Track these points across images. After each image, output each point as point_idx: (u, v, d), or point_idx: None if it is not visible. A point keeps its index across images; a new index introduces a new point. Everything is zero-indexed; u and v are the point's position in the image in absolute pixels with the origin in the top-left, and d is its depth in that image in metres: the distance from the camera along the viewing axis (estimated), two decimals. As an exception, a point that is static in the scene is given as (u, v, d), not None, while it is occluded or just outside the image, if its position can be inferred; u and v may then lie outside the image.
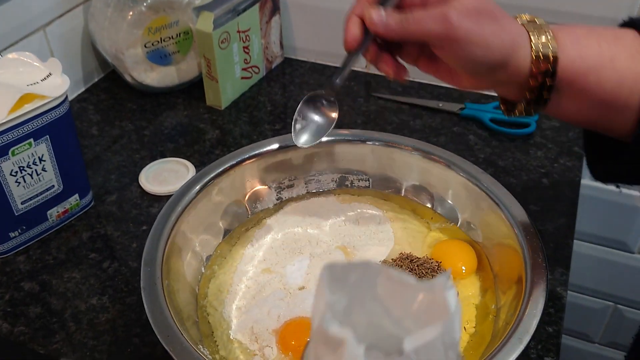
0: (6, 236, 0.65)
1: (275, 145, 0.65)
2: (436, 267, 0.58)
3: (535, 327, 0.47)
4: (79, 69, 0.90)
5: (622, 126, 0.46)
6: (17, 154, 0.60)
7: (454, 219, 0.63)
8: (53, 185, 0.66)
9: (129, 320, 0.59)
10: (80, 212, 0.70)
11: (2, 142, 0.59)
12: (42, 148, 0.62)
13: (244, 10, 0.85)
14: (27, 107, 0.59)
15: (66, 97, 0.63)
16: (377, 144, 0.65)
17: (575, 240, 1.01)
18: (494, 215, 0.58)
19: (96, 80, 0.94)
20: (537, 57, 0.45)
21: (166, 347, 0.47)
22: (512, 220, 0.56)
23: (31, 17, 0.80)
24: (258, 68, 0.92)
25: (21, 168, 0.61)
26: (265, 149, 0.65)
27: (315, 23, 0.94)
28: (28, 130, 0.60)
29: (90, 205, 0.71)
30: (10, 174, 0.61)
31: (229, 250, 0.62)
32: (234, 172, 0.63)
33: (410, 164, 0.65)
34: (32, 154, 0.62)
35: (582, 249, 1.02)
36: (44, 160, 0.63)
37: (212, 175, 0.61)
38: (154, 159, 0.78)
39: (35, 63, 0.64)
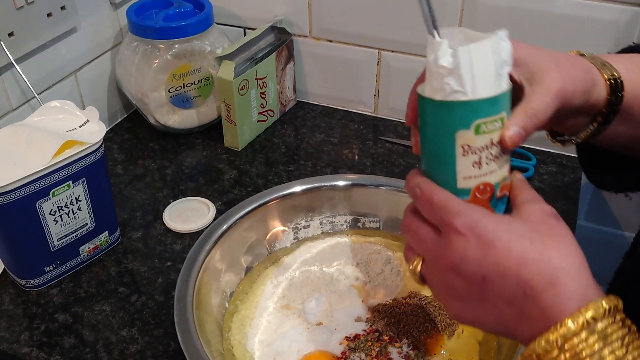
0: (41, 270, 0.69)
1: (298, 188, 0.71)
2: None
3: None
4: (104, 109, 0.96)
5: None
6: (57, 194, 0.65)
7: None
8: (86, 223, 0.70)
9: (157, 352, 0.63)
10: (109, 248, 0.75)
11: (45, 185, 0.64)
12: (79, 189, 0.67)
13: (262, 59, 0.91)
14: (68, 152, 0.65)
15: (102, 142, 0.68)
16: (389, 188, 0.71)
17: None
18: None
19: (120, 120, 1.00)
20: (611, 85, 0.46)
21: None
22: None
23: (64, 63, 0.86)
24: (273, 112, 0.98)
25: (59, 208, 0.67)
26: (286, 192, 0.71)
27: (326, 70, 1.00)
28: (68, 174, 0.65)
29: (118, 242, 0.76)
30: (50, 213, 0.66)
31: (250, 287, 0.67)
32: (256, 214, 0.68)
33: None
34: (70, 194, 0.67)
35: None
36: (80, 201, 0.68)
37: (237, 216, 0.67)
38: (175, 197, 0.83)
39: (74, 111, 0.69)
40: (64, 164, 0.64)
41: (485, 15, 0.85)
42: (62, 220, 0.67)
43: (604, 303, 0.36)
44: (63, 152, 0.65)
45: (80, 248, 0.71)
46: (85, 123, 0.68)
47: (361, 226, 0.73)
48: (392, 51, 0.94)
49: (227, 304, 0.64)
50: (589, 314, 0.35)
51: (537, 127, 0.43)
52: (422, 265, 0.43)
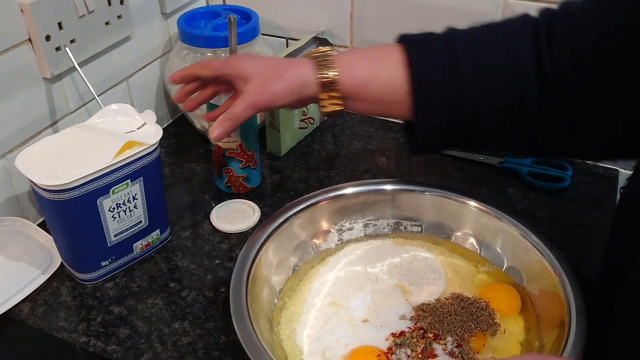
0: (98, 265, 0.73)
1: (349, 190, 0.74)
2: (484, 306, 0.65)
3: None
4: (152, 115, 1.00)
5: (402, 115, 0.63)
6: (116, 192, 0.69)
7: (499, 263, 0.71)
8: (141, 221, 0.74)
9: (208, 344, 0.66)
10: (159, 245, 0.79)
11: (106, 183, 0.67)
12: (136, 188, 0.71)
13: (305, 68, 0.94)
14: (128, 152, 0.68)
15: (158, 144, 0.72)
16: (433, 194, 0.74)
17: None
18: (539, 264, 0.66)
19: (166, 125, 1.04)
20: (323, 83, 0.62)
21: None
22: (556, 269, 0.63)
23: (118, 69, 0.90)
24: (314, 119, 1.01)
25: (118, 205, 0.70)
26: (336, 193, 0.74)
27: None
28: (127, 173, 0.69)
29: (168, 239, 0.80)
30: (109, 210, 0.69)
31: (297, 284, 0.70)
32: (306, 213, 0.72)
33: (461, 213, 0.73)
34: (128, 192, 0.70)
35: None
36: (136, 199, 0.72)
37: (290, 213, 0.71)
38: (221, 199, 0.87)
39: (132, 114, 0.73)
40: (124, 163, 0.68)
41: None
42: (119, 217, 0.71)
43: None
44: (123, 152, 0.68)
45: (134, 244, 0.75)
46: (142, 125, 0.72)
47: (403, 230, 0.76)
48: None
49: (275, 300, 0.67)
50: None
51: (235, 126, 0.64)
52: None
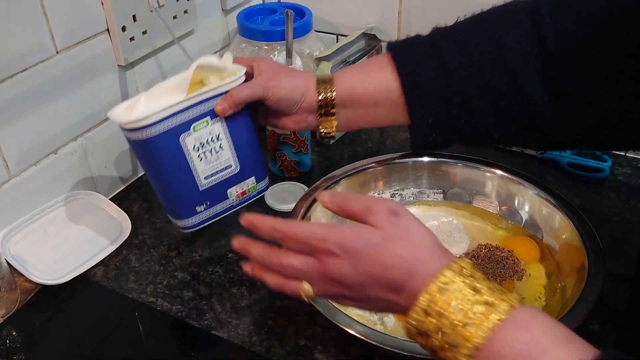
0: (193, 210, 0.72)
1: (372, 162, 0.83)
2: (509, 255, 0.73)
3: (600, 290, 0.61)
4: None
5: (399, 116, 0.68)
6: (198, 130, 0.67)
7: (518, 221, 0.78)
8: (230, 165, 0.72)
9: (264, 307, 0.72)
10: (258, 196, 0.77)
11: (185, 119, 0.66)
12: (218, 127, 0.68)
13: (354, 62, 1.00)
14: (206, 88, 0.66)
15: (243, 78, 0.69)
16: (459, 164, 0.82)
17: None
18: (557, 219, 0.73)
19: (223, 114, 1.11)
20: (322, 85, 0.69)
21: (326, 315, 0.62)
22: (573, 222, 0.71)
23: (183, 61, 0.97)
24: (361, 110, 1.07)
25: (201, 144, 0.68)
26: (360, 167, 0.82)
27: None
28: (206, 109, 0.67)
29: (266, 189, 0.78)
30: (193, 149, 0.68)
31: None
32: (338, 186, 0.80)
33: (482, 179, 0.81)
34: (210, 131, 0.68)
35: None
36: (220, 139, 0.69)
37: (330, 183, 0.80)
38: (274, 182, 0.93)
39: (214, 60, 0.69)
40: (202, 98, 0.66)
41: None
42: (205, 158, 0.69)
43: (449, 271, 0.44)
44: (200, 88, 0.67)
45: (229, 191, 0.73)
46: (224, 67, 0.69)
47: (426, 198, 0.83)
48: None
49: None
50: (439, 283, 0.44)
51: (237, 103, 0.67)
52: (312, 288, 0.51)
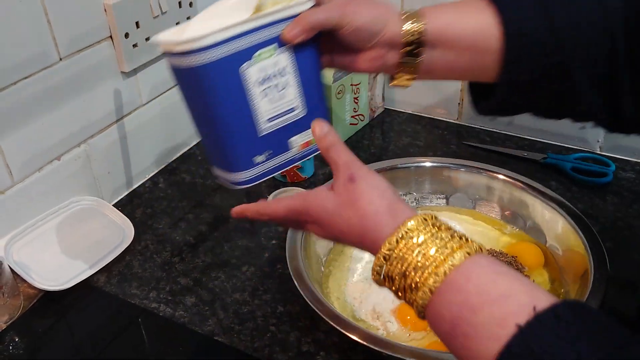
0: (250, 161, 0.58)
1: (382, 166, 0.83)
2: (512, 260, 0.73)
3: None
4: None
5: (488, 69, 0.58)
6: (262, 59, 0.55)
7: (522, 227, 0.79)
8: (295, 107, 0.59)
9: (266, 313, 0.72)
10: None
11: (248, 44, 0.54)
12: (285, 58, 0.57)
13: (357, 66, 1.00)
14: (273, 8, 0.55)
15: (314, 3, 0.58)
16: (462, 169, 0.83)
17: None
18: (561, 225, 0.74)
19: (226, 120, 1.11)
20: (409, 18, 0.57)
21: (328, 320, 0.62)
22: (575, 228, 0.72)
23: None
24: (363, 116, 1.07)
25: (265, 78, 0.56)
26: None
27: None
28: (272, 34, 0.55)
29: None
30: (256, 83, 0.56)
31: (339, 254, 0.78)
32: None
33: (485, 184, 0.81)
34: (275, 63, 0.56)
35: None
36: (287, 74, 0.57)
37: None
38: (277, 187, 0.93)
39: None
40: (269, 20, 0.55)
41: None
42: (269, 96, 0.57)
43: (412, 221, 0.46)
44: (266, 9, 0.55)
45: (291, 139, 0.60)
46: None
47: (429, 203, 0.84)
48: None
49: (322, 268, 0.75)
50: (402, 231, 0.45)
51: (310, 28, 0.55)
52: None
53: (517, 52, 0.57)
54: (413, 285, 0.44)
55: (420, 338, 0.64)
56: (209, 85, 0.54)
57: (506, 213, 0.80)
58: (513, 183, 0.78)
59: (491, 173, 0.80)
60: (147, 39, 0.87)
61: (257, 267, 0.79)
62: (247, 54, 0.54)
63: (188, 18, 0.93)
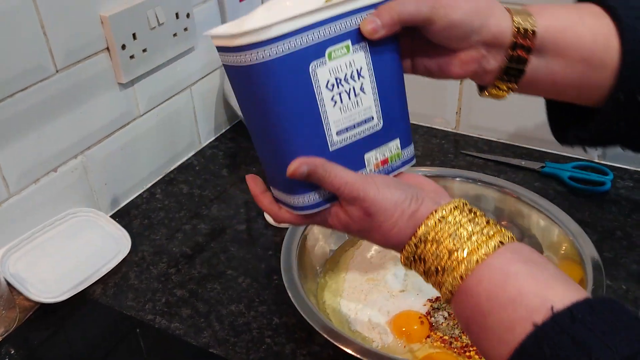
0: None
1: None
2: None
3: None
4: (212, 120, 1.08)
5: (598, 87, 0.49)
6: (334, 58, 0.46)
7: (517, 236, 0.78)
8: (372, 117, 0.49)
9: (261, 325, 0.72)
10: (402, 167, 0.53)
11: (319, 39, 0.45)
12: (361, 57, 0.47)
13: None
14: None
15: None
16: (457, 179, 0.82)
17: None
18: (556, 232, 0.73)
19: (224, 130, 1.11)
20: (516, 14, 0.47)
21: (323, 334, 0.61)
22: (571, 234, 0.71)
23: (183, 78, 0.98)
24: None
25: (338, 81, 0.47)
26: None
27: (410, 88, 1.07)
28: (347, 28, 0.46)
29: (412, 163, 0.54)
30: (326, 87, 0.46)
31: (335, 265, 0.77)
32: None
33: (474, 193, 0.81)
34: (350, 63, 0.47)
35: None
36: (363, 77, 0.48)
37: None
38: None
39: None
40: (345, 10, 0.46)
41: None
42: (341, 102, 0.47)
43: (449, 205, 0.45)
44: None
45: (366, 156, 0.50)
46: None
47: None
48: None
49: (318, 279, 0.74)
50: (439, 214, 0.45)
51: (394, 22, 0.46)
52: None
53: (636, 68, 0.47)
54: (445, 268, 0.43)
55: (416, 350, 0.64)
56: (272, 87, 0.44)
57: (502, 223, 0.79)
58: (508, 193, 0.78)
59: (486, 183, 0.80)
60: (144, 50, 0.87)
61: (254, 278, 0.79)
62: (317, 51, 0.45)
63: (185, 30, 0.93)
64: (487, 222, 0.44)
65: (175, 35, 0.92)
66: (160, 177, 0.99)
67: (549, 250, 0.74)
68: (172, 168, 1.01)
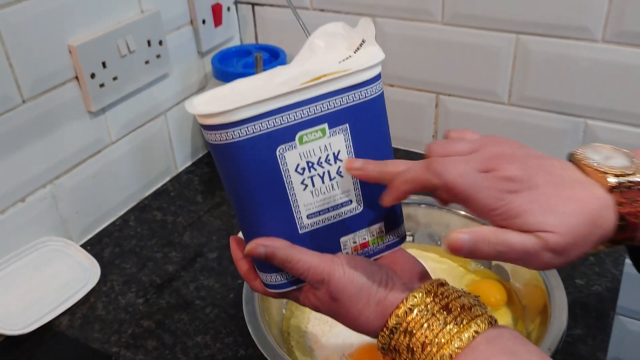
0: None
1: None
2: (475, 300, 0.70)
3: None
4: (188, 145, 1.07)
5: None
6: (306, 142, 0.45)
7: (486, 264, 0.78)
8: (349, 201, 0.48)
9: (226, 357, 0.71)
10: (387, 251, 0.51)
11: (289, 122, 0.44)
12: (339, 141, 0.46)
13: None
14: (324, 79, 0.44)
15: (379, 74, 0.47)
16: (422, 206, 0.81)
17: (619, 316, 1.07)
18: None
19: (201, 155, 1.11)
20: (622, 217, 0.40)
21: None
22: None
23: (157, 104, 0.98)
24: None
25: (310, 165, 0.46)
26: None
27: (388, 112, 1.08)
28: (322, 111, 0.45)
29: (399, 245, 0.52)
30: (296, 170, 0.45)
31: None
32: None
33: (449, 221, 0.80)
34: (326, 147, 0.46)
35: (627, 325, 1.08)
36: (341, 160, 0.46)
37: None
38: (248, 224, 0.92)
39: (344, 34, 0.49)
40: (317, 94, 0.44)
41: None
42: (313, 186, 0.46)
43: (417, 293, 0.44)
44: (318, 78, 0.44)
45: (342, 239, 0.49)
46: (360, 46, 0.47)
47: None
48: (450, 95, 1.01)
49: (284, 310, 0.73)
50: (409, 303, 0.44)
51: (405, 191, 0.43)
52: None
53: None
54: None
55: (379, 384, 0.63)
56: (240, 167, 0.45)
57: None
58: (472, 219, 0.77)
59: (450, 209, 0.79)
60: (115, 78, 0.87)
61: (222, 309, 0.78)
62: (286, 134, 0.44)
63: (158, 57, 0.93)
64: (462, 308, 0.43)
65: (147, 62, 0.92)
66: (134, 203, 0.99)
67: (515, 279, 0.73)
68: (147, 194, 1.01)
